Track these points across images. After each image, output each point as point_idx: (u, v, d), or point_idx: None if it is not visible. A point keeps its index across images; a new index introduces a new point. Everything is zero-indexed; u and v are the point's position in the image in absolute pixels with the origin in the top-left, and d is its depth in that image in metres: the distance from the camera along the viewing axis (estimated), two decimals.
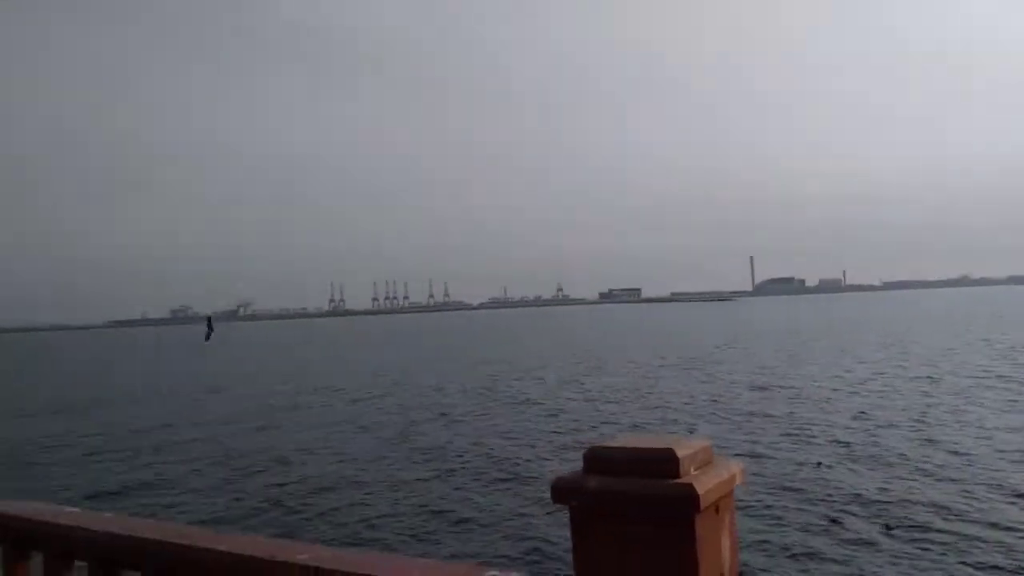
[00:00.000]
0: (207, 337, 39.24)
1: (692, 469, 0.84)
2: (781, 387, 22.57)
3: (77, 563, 1.38)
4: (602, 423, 17.78)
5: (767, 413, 17.63)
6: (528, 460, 14.36)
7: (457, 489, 12.43)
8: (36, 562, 1.45)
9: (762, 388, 22.87)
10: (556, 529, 9.49)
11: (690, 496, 0.79)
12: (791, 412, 17.53)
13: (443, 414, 21.76)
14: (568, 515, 0.86)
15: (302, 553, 1.07)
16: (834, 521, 8.81)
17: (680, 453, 0.82)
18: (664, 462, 0.82)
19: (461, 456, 15.32)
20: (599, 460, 0.84)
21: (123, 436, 20.66)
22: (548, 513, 10.24)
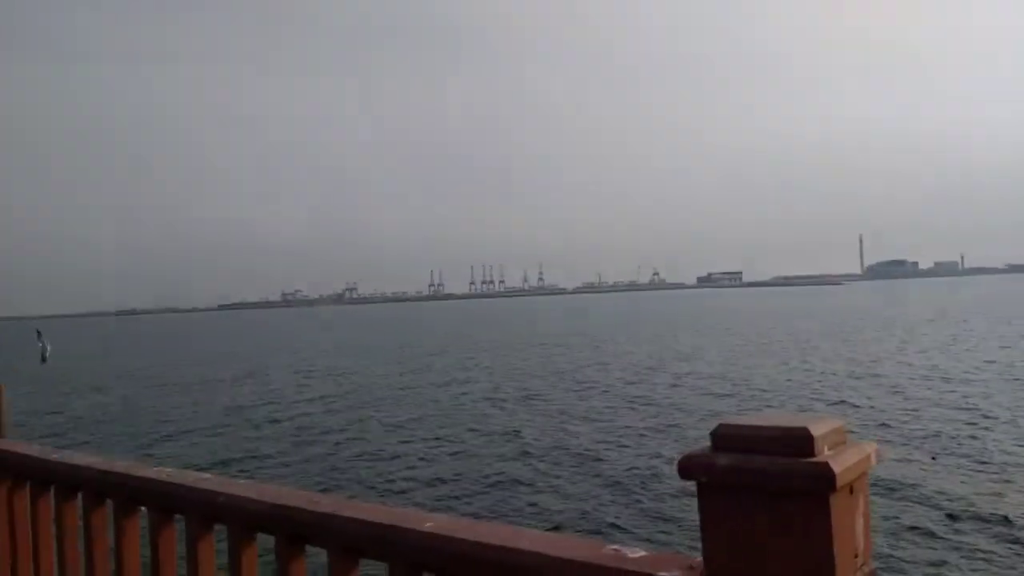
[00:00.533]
0: (43, 358, 27.83)
1: (826, 448, 0.81)
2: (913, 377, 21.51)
3: (216, 526, 1.47)
4: (709, 408, 17.47)
5: (906, 401, 16.91)
6: (642, 440, 14.25)
7: (573, 466, 12.50)
8: (179, 525, 1.55)
9: (873, 375, 21.89)
10: (677, 506, 9.37)
11: (826, 475, 0.77)
12: (922, 402, 16.73)
13: (531, 393, 21.87)
14: (696, 492, 0.85)
15: (427, 521, 1.10)
16: (951, 517, 8.39)
17: (815, 431, 0.80)
18: (798, 440, 0.80)
19: (567, 435, 15.38)
20: (728, 437, 0.83)
21: (241, 410, 21.84)
22: (668, 491, 10.13)
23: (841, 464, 0.78)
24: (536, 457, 13.37)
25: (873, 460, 0.88)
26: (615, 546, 0.98)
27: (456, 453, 14.27)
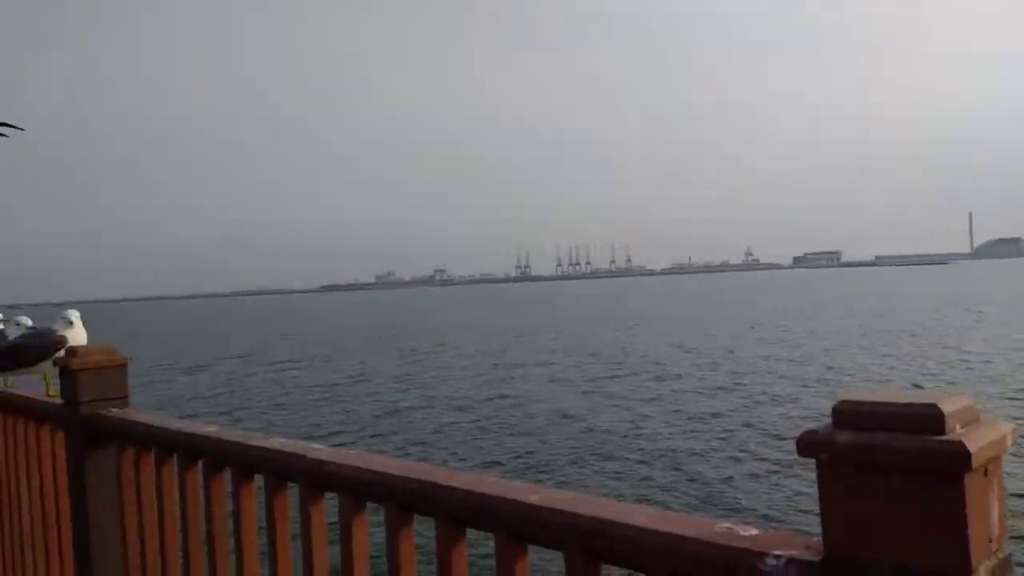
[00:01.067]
0: None
1: (958, 427, 0.77)
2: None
3: (327, 494, 1.53)
4: (817, 388, 16.93)
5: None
6: (756, 417, 13.95)
7: (679, 444, 12.38)
8: (292, 492, 1.62)
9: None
10: (788, 485, 9.16)
11: (960, 454, 0.72)
12: None
13: (631, 372, 21.70)
14: (816, 470, 0.82)
15: (533, 494, 1.11)
16: None
17: (945, 408, 0.76)
18: (927, 418, 0.76)
19: (678, 413, 15.21)
20: (851, 413, 0.79)
21: (351, 383, 22.61)
22: (776, 469, 9.90)
23: (976, 443, 0.74)
24: (642, 435, 13.30)
25: (1009, 441, 0.83)
26: (727, 524, 0.96)
27: (556, 429, 14.37)
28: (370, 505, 1.44)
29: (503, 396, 18.90)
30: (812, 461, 0.82)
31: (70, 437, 2.46)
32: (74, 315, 2.94)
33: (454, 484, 1.20)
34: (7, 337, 3.10)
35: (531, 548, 1.16)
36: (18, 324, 3.10)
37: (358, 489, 1.41)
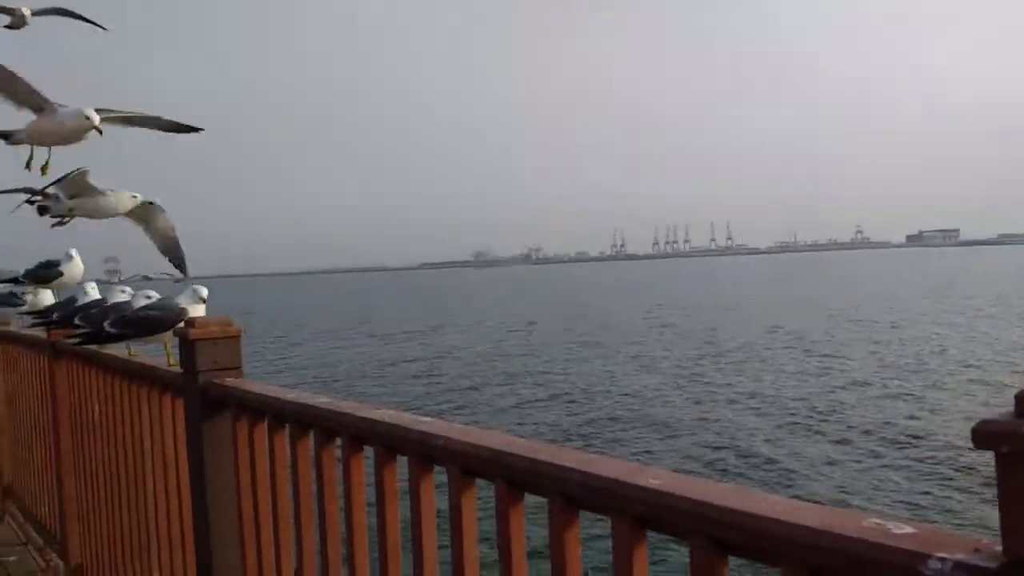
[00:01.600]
0: None
1: None
2: None
3: (436, 468, 1.51)
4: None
5: None
6: (907, 407, 13.34)
7: (824, 432, 11.98)
8: (401, 463, 1.62)
9: None
10: (954, 479, 8.71)
11: None
12: None
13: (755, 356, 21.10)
14: (996, 465, 0.72)
15: (655, 478, 1.04)
16: None
17: None
18: None
19: (818, 400, 14.74)
20: None
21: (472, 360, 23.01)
22: (936, 462, 9.41)
23: None
24: (782, 422, 12.92)
25: None
26: (875, 518, 0.87)
27: (686, 412, 14.13)
28: (480, 482, 1.41)
29: (603, 379, 18.78)
30: (958, 456, 0.72)
31: (188, 404, 2.56)
32: (203, 291, 3.04)
33: (570, 464, 1.15)
34: (132, 308, 3.27)
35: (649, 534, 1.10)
36: (147, 297, 3.25)
37: (468, 464, 1.39)
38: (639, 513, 1.05)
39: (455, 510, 1.41)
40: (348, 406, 1.82)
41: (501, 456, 1.29)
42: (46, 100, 2.97)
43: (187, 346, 2.50)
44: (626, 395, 16.19)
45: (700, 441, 11.82)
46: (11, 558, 5.20)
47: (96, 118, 2.95)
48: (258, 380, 2.42)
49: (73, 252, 4.62)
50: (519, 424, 13.76)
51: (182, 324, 2.63)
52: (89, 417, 3.91)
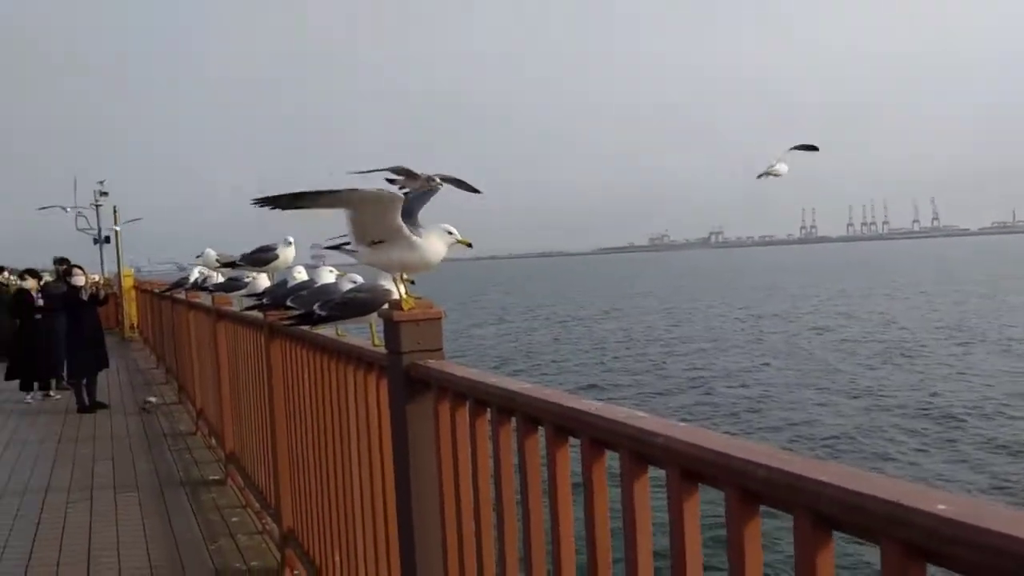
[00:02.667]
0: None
1: None
2: None
3: (652, 469, 1.40)
4: None
5: None
6: None
7: None
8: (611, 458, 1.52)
9: None
10: None
11: None
12: None
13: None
14: None
15: (939, 502, 0.87)
16: None
17: None
18: None
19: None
20: None
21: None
22: None
23: None
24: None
25: None
26: None
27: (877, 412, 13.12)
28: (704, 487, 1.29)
29: (801, 370, 17.72)
30: None
31: (392, 384, 2.63)
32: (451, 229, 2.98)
33: (823, 477, 1.00)
34: (340, 291, 3.43)
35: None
36: (353, 281, 3.40)
37: (691, 467, 1.27)
38: (918, 542, 0.88)
39: (675, 516, 1.30)
40: (552, 394, 1.75)
41: (730, 461, 1.16)
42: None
43: (391, 327, 2.56)
44: (837, 393, 15.17)
45: (968, 451, 10.81)
46: (233, 519, 5.75)
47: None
48: (459, 364, 2.42)
49: (290, 238, 4.96)
50: (711, 419, 13.29)
51: (386, 305, 2.71)
52: (300, 392, 4.19)
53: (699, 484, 1.29)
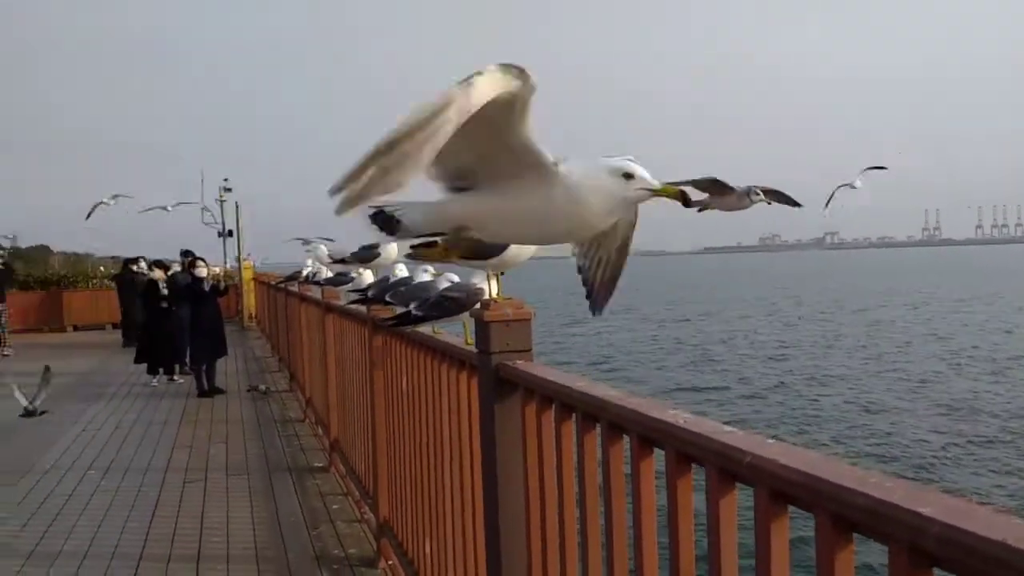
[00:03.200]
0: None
1: None
2: None
3: (739, 485, 1.34)
4: None
5: None
6: None
7: None
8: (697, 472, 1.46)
9: None
10: None
11: None
12: None
13: None
14: None
15: (924, 505, 0.80)
16: None
17: None
18: None
19: None
20: None
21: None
22: None
23: None
24: None
25: None
26: None
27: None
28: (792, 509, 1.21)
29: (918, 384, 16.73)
30: None
31: (482, 383, 2.64)
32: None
33: (924, 510, 0.91)
34: (436, 289, 3.48)
35: None
36: (449, 279, 3.45)
37: (780, 488, 1.19)
38: None
39: (762, 538, 1.23)
40: (638, 403, 1.70)
41: (824, 484, 1.08)
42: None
43: (482, 327, 2.56)
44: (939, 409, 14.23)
45: None
46: (335, 506, 5.95)
47: None
48: (547, 365, 2.40)
49: None
50: (799, 431, 12.73)
51: (478, 305, 2.72)
52: (398, 386, 4.28)
53: (788, 506, 1.21)
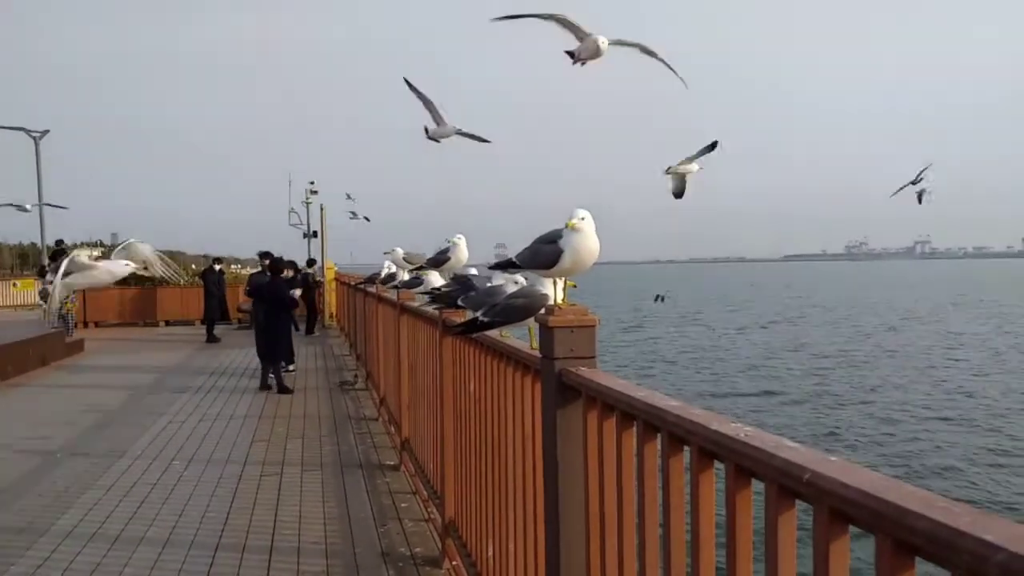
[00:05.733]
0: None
1: None
2: None
3: (800, 504, 1.30)
4: None
5: None
6: None
7: None
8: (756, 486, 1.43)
9: None
10: None
11: None
12: None
13: None
14: None
15: (988, 532, 0.75)
16: None
17: None
18: None
19: None
20: None
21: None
22: None
23: None
24: None
25: None
26: None
27: None
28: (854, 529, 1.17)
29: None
30: None
31: (545, 389, 2.64)
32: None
33: (988, 536, 0.86)
34: (503, 293, 3.49)
35: None
36: (515, 283, 3.46)
37: (841, 509, 1.15)
38: None
39: (820, 558, 1.19)
40: (699, 415, 1.66)
41: (886, 506, 1.04)
42: None
43: (546, 333, 2.57)
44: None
45: None
46: (403, 504, 6.05)
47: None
48: (610, 374, 2.38)
49: (459, 239, 5.15)
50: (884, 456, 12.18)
51: (543, 310, 2.72)
52: (466, 388, 4.32)
53: (849, 526, 1.17)
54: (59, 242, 25.84)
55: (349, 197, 30.10)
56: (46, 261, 22.63)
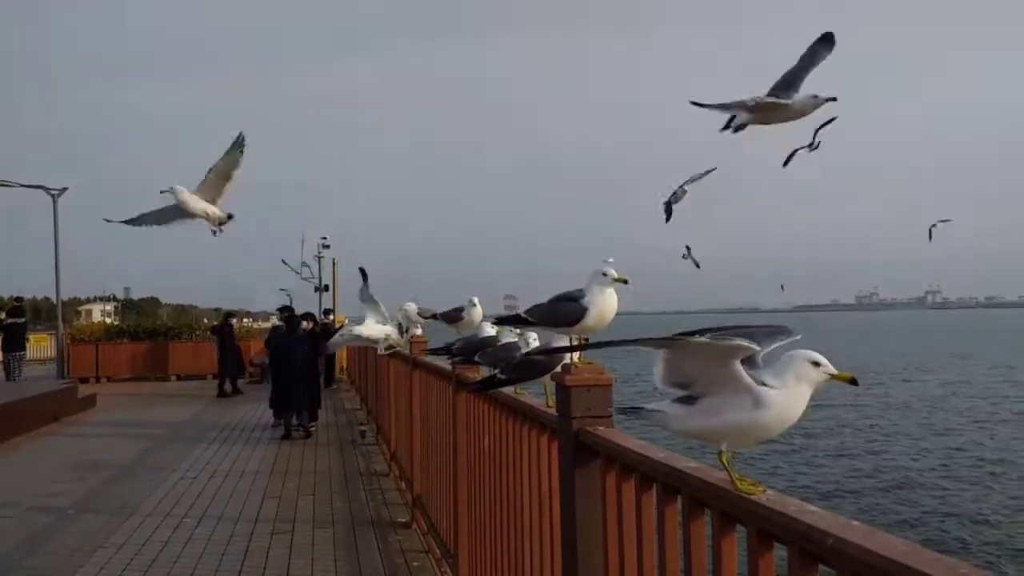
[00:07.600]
0: None
1: None
2: None
3: (822, 567, 1.31)
4: None
5: None
6: None
7: None
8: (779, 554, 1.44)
9: None
10: None
11: None
12: None
13: None
14: None
15: None
16: None
17: None
18: None
19: None
20: None
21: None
22: None
23: None
24: None
25: None
26: None
27: None
28: None
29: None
30: None
31: (563, 448, 2.64)
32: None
33: None
34: (519, 350, 3.53)
35: None
36: (527, 343, 3.49)
37: (862, 574, 1.16)
38: None
39: None
40: (720, 477, 1.68)
41: (909, 572, 1.05)
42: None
43: (563, 391, 2.59)
44: None
45: None
46: (415, 563, 5.98)
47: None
48: (627, 434, 2.39)
49: (475, 300, 5.21)
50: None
51: (559, 369, 2.75)
52: (480, 445, 4.32)
53: None
54: (18, 299, 25.22)
55: (325, 244, 28.23)
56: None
